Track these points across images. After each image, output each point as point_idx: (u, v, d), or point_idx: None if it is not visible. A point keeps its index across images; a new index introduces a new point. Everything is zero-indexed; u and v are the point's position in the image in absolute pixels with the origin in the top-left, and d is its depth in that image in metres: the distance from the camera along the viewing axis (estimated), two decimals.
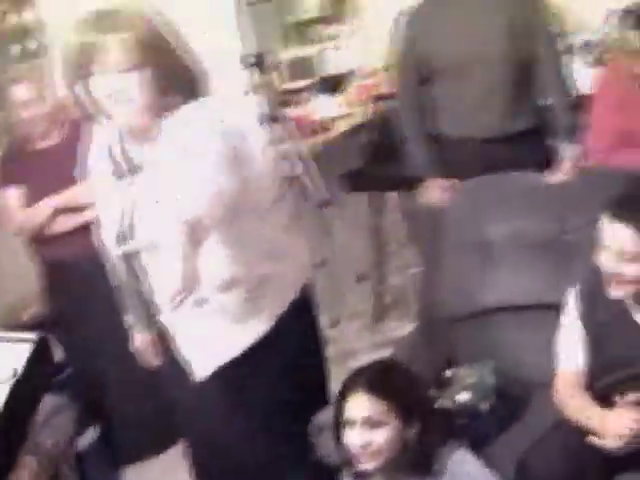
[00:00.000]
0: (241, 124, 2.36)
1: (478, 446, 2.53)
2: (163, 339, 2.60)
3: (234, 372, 2.48)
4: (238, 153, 2.26)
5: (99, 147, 2.47)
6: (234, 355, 2.47)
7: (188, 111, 2.29)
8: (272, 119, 4.41)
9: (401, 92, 3.59)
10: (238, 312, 2.42)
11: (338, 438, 2.43)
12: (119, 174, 2.40)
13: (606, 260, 2.39)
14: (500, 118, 3.37)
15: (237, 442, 2.57)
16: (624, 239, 2.33)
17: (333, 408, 2.47)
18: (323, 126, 4.89)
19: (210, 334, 2.46)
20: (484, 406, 2.68)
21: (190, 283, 2.01)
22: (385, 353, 4.47)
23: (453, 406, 2.67)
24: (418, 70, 3.44)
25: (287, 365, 2.52)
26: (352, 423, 2.38)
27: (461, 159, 3.42)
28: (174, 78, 2.29)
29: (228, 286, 2.37)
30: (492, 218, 3.10)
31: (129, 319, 2.72)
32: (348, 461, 2.43)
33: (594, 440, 2.33)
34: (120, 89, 2.21)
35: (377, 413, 2.35)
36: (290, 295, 2.53)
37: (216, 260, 2.28)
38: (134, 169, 2.37)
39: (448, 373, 2.80)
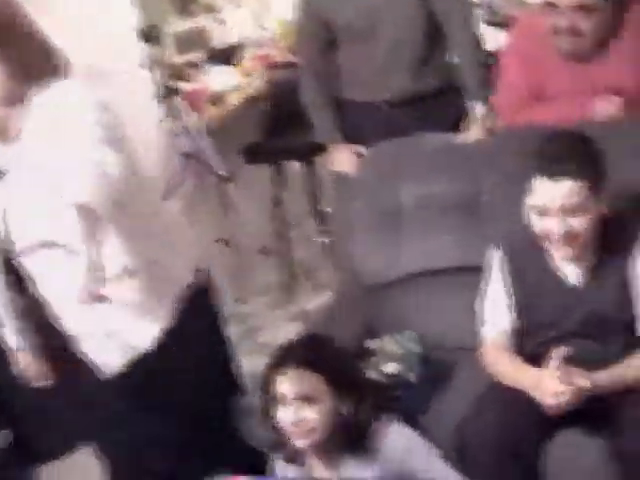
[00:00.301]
0: (125, 101, 2.21)
1: (410, 417, 2.47)
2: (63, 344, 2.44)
3: (140, 368, 2.36)
4: (119, 132, 2.11)
5: None
6: (139, 349, 2.35)
7: (54, 94, 2.11)
8: (166, 93, 4.28)
9: (303, 59, 3.50)
10: (136, 304, 2.30)
11: (267, 417, 2.34)
12: None
13: (547, 221, 2.35)
14: (408, 79, 3.30)
15: (146, 442, 2.46)
16: (565, 195, 2.30)
17: (260, 385, 2.37)
18: (218, 99, 4.76)
19: (113, 331, 2.34)
20: (412, 376, 2.63)
21: (99, 277, 1.91)
22: (296, 326, 4.44)
23: (380, 378, 2.60)
24: (319, 35, 3.34)
25: (191, 356, 2.42)
26: (284, 399, 2.29)
27: (369, 124, 3.34)
28: (29, 63, 2.11)
29: (123, 277, 2.24)
30: (403, 182, 3.04)
31: (10, 340, 2.53)
32: (279, 442, 2.34)
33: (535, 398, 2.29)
34: None
35: (311, 388, 2.27)
36: (185, 280, 2.41)
37: (110, 251, 2.11)
38: None
39: (371, 344, 2.73)
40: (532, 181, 2.36)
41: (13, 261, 2.29)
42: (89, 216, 1.82)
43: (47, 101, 2.10)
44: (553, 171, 2.30)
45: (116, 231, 2.09)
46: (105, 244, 1.95)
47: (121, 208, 2.03)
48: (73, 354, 2.41)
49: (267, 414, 2.34)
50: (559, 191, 2.31)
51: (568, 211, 2.32)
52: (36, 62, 2.12)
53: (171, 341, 2.36)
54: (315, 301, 4.67)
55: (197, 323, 2.43)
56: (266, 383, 2.34)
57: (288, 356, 2.32)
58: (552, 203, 2.32)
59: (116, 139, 2.07)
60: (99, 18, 4.01)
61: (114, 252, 2.15)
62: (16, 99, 2.09)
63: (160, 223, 2.36)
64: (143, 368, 2.37)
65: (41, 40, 2.15)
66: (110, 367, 2.37)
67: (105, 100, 2.14)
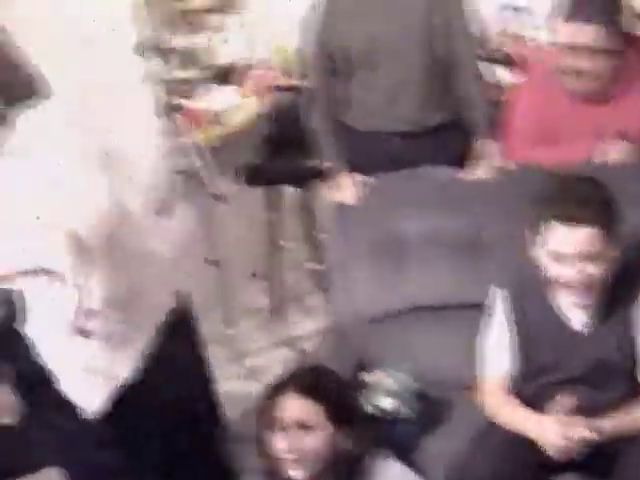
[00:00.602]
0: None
1: (402, 453, 2.44)
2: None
3: (122, 400, 2.31)
4: (111, 154, 2.07)
5: None
6: (120, 381, 2.30)
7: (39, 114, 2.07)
8: (166, 110, 4.24)
9: (312, 85, 3.47)
10: (117, 336, 2.25)
11: (261, 444, 2.30)
12: None
13: (562, 268, 2.33)
14: (415, 111, 3.28)
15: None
16: (583, 242, 2.27)
17: (258, 410, 2.33)
18: (218, 118, 4.73)
19: (92, 366, 2.29)
20: (406, 411, 2.59)
21: (89, 311, 1.86)
22: (283, 352, 4.40)
23: (374, 412, 2.57)
24: (329, 62, 3.32)
25: (171, 381, 2.37)
26: (282, 425, 2.25)
27: (374, 154, 3.32)
28: (11, 85, 2.09)
29: (106, 310, 2.20)
30: (406, 215, 3.02)
31: None
32: (272, 470, 2.30)
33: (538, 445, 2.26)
34: None
35: (310, 416, 2.26)
36: (165, 305, 2.37)
37: (95, 284, 2.08)
38: None
39: (365, 377, 2.69)
40: (545, 225, 2.33)
41: None
42: (81, 247, 1.75)
43: (31, 121, 2.05)
44: (571, 217, 2.28)
45: (102, 263, 2.02)
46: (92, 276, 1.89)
47: (109, 240, 1.98)
48: (54, 390, 2.33)
49: (261, 440, 2.30)
50: (577, 238, 2.28)
51: (585, 258, 2.29)
52: (18, 84, 2.07)
53: (151, 368, 2.32)
54: (304, 327, 4.64)
55: (177, 347, 2.39)
56: (264, 408, 2.30)
57: (290, 382, 2.31)
58: (569, 249, 2.30)
59: (104, 168, 2.03)
60: (100, 32, 3.98)
61: (98, 284, 2.10)
62: None
63: (144, 253, 2.32)
64: (125, 400, 2.31)
65: (16, 57, 2.11)
66: (92, 405, 2.31)
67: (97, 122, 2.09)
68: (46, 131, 2.12)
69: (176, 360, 2.40)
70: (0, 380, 2.30)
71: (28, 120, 2.08)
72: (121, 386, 2.31)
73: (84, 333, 2.16)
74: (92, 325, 2.15)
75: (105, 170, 3.99)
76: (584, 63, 2.88)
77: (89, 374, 2.29)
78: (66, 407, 2.30)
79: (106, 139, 3.99)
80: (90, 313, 1.98)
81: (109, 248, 2.00)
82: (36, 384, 2.25)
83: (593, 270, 2.31)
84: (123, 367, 2.31)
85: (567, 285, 2.35)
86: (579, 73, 2.90)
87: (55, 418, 2.36)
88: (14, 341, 2.14)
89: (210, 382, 2.58)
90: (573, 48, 2.88)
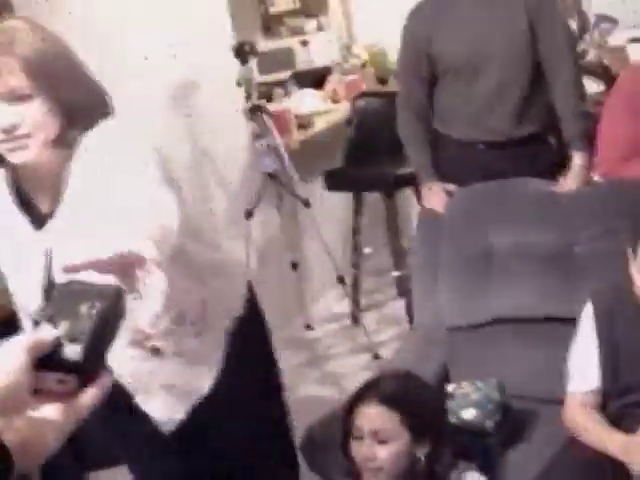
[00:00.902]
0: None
1: (484, 466, 2.41)
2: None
3: (199, 415, 2.31)
4: (172, 173, 2.05)
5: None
6: (197, 397, 2.30)
7: (105, 135, 2.01)
8: (256, 112, 4.28)
9: (403, 91, 3.46)
10: (189, 352, 2.24)
11: (344, 450, 2.30)
12: (35, 223, 2.08)
13: None
14: (509, 122, 3.25)
15: None
16: None
17: (342, 416, 2.33)
18: (304, 122, 4.75)
19: (168, 384, 2.28)
20: (490, 424, 2.57)
21: (157, 328, 1.85)
22: (362, 357, 4.41)
23: (458, 423, 2.55)
24: (422, 69, 3.31)
25: (245, 391, 2.35)
26: (360, 434, 2.25)
27: (465, 163, 3.31)
28: (78, 105, 2.00)
29: (176, 323, 2.18)
30: (495, 227, 3.00)
31: None
32: (352, 475, 2.30)
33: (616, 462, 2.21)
34: (11, 123, 1.91)
35: (388, 426, 2.24)
36: (235, 312, 2.34)
37: (164, 299, 2.04)
38: (43, 218, 2.07)
39: (450, 388, 2.68)
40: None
41: None
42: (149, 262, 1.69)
43: (98, 143, 2.01)
44: None
45: (170, 277, 1.95)
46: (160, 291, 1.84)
47: (177, 253, 1.93)
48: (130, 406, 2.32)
49: (344, 446, 2.30)
50: None
51: None
52: (84, 104, 2.03)
53: (225, 380, 2.30)
54: (383, 334, 4.64)
55: (248, 355, 2.38)
56: (346, 414, 2.30)
57: (372, 391, 2.29)
58: None
59: (171, 180, 2.02)
60: (194, 34, 4.04)
61: (167, 300, 2.06)
62: (64, 142, 2.00)
63: (212, 263, 2.30)
64: (201, 415, 2.31)
65: (89, 81, 2.06)
66: (170, 420, 2.31)
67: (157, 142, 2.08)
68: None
69: (249, 364, 2.38)
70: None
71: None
72: (199, 401, 2.30)
73: (154, 352, 2.17)
74: (162, 344, 2.16)
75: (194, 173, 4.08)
76: None
77: (167, 391, 2.28)
78: (137, 414, 2.30)
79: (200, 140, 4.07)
80: (158, 331, 1.98)
81: (176, 261, 1.92)
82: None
83: None
84: (200, 381, 2.29)
85: None
86: None
87: (127, 422, 2.39)
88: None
89: (282, 389, 2.56)
90: None
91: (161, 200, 1.87)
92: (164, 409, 2.30)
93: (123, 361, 2.19)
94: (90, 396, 1.21)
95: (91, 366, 1.22)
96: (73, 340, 1.20)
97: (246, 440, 2.37)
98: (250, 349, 2.38)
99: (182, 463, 2.37)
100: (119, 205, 1.80)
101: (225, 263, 2.38)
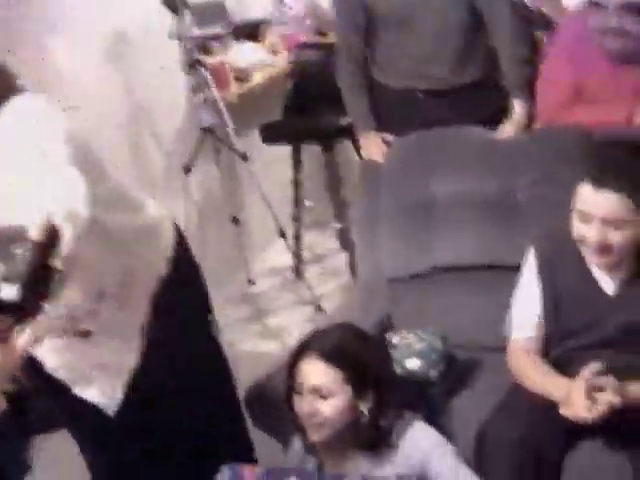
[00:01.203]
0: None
1: (429, 415, 2.42)
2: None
3: (137, 386, 2.27)
4: (86, 146, 1.98)
5: None
6: (132, 368, 2.25)
7: (14, 109, 1.95)
8: (190, 66, 4.20)
9: (341, 42, 3.42)
10: (115, 324, 2.19)
11: (288, 405, 2.28)
12: None
13: (586, 228, 2.29)
14: (447, 71, 3.22)
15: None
16: (609, 207, 2.23)
17: (284, 372, 2.31)
18: (242, 75, 4.67)
19: (103, 362, 2.23)
20: (434, 373, 2.57)
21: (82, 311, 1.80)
22: (305, 310, 4.39)
23: (402, 373, 2.55)
24: (359, 20, 3.26)
25: (179, 350, 2.31)
26: (302, 390, 2.23)
27: (403, 112, 3.27)
28: None
29: (97, 301, 2.13)
30: (435, 175, 2.99)
31: None
32: (299, 428, 2.29)
33: (562, 411, 2.22)
34: None
35: (329, 382, 2.20)
36: (159, 273, 2.29)
37: (86, 278, 1.97)
38: None
39: (393, 338, 2.66)
40: (578, 184, 2.29)
41: None
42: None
43: (6, 116, 1.95)
44: (601, 181, 2.23)
45: (86, 257, 1.78)
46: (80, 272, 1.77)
47: (92, 232, 1.85)
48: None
49: (288, 401, 2.28)
50: (603, 202, 2.24)
51: (609, 223, 2.25)
52: None
53: (157, 343, 2.26)
54: (326, 287, 4.63)
55: (177, 312, 2.33)
56: (289, 370, 2.28)
57: (310, 346, 2.25)
58: (594, 212, 2.26)
59: (84, 154, 1.95)
60: None
61: (87, 280, 2.00)
62: None
63: (133, 230, 2.23)
64: (141, 386, 2.27)
65: None
66: (111, 402, 2.27)
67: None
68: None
69: (180, 321, 2.33)
70: None
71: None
72: (134, 372, 2.25)
73: (84, 335, 2.12)
74: (89, 325, 2.11)
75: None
76: (624, 21, 2.82)
77: (102, 373, 2.23)
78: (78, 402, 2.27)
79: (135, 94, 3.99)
80: (84, 314, 1.94)
81: (92, 237, 1.83)
82: None
83: (615, 237, 2.26)
84: (130, 353, 2.25)
85: (587, 246, 2.31)
86: (618, 32, 2.83)
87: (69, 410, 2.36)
88: None
89: (216, 337, 2.52)
90: (612, 6, 2.82)
91: (66, 184, 1.79)
92: (103, 392, 2.27)
93: (55, 356, 2.15)
94: (26, 338, 1.19)
95: (28, 306, 1.22)
96: (9, 280, 1.19)
97: (189, 403, 2.34)
98: (184, 306, 2.34)
99: (127, 433, 2.33)
100: (19, 188, 1.74)
101: (148, 226, 2.30)
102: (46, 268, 1.33)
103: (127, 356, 2.24)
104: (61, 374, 2.21)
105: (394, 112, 3.31)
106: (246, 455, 2.57)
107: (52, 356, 2.18)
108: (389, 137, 3.25)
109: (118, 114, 3.91)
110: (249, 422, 2.66)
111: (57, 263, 1.40)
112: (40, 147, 1.86)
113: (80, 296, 2.04)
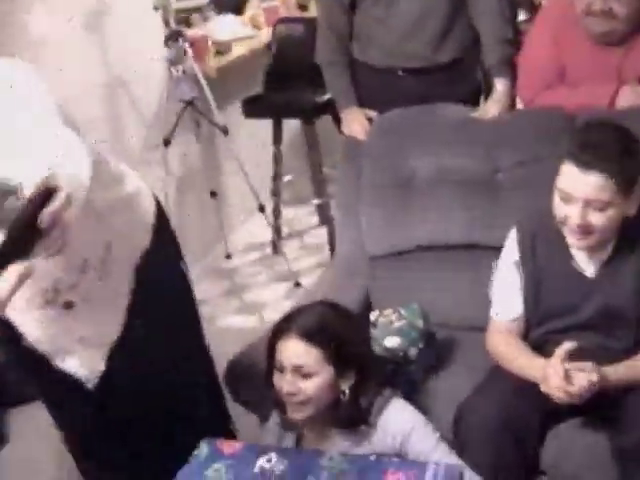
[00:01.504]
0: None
1: (409, 394, 2.42)
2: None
3: (117, 359, 2.26)
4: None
5: None
6: (113, 340, 2.24)
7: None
8: (169, 38, 4.16)
9: (322, 17, 3.39)
10: (97, 297, 2.17)
11: (268, 381, 2.27)
12: None
13: (567, 208, 2.28)
14: (429, 49, 3.19)
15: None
16: (592, 188, 2.23)
17: (264, 350, 2.30)
18: (223, 48, 4.64)
19: (84, 334, 2.22)
20: (413, 351, 2.57)
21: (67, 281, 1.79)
22: (284, 286, 4.39)
23: (381, 351, 2.54)
24: None
25: (160, 321, 2.30)
26: (282, 369, 2.22)
27: (384, 90, 3.25)
28: None
29: (81, 272, 2.11)
30: (417, 153, 2.97)
31: None
32: (277, 404, 2.28)
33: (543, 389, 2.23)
34: None
35: (310, 362, 2.19)
36: (142, 246, 2.27)
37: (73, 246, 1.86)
38: None
39: (372, 316, 2.66)
40: (561, 164, 2.29)
41: None
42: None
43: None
44: (584, 161, 2.22)
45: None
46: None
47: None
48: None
49: (268, 378, 2.27)
50: (586, 183, 2.23)
51: (590, 204, 2.24)
52: None
53: (137, 315, 2.25)
54: (304, 262, 4.63)
55: (157, 284, 2.31)
56: (269, 348, 2.27)
57: (293, 325, 2.23)
58: (576, 192, 2.25)
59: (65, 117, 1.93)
60: None
61: (72, 252, 1.98)
62: None
63: (115, 202, 2.20)
64: (120, 360, 2.26)
65: None
66: (91, 375, 2.26)
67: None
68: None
69: (161, 294, 2.31)
70: None
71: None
72: (115, 343, 2.24)
73: (67, 306, 2.11)
74: (72, 296, 2.10)
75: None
76: (610, 4, 2.81)
77: (83, 345, 2.22)
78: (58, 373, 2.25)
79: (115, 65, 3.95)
80: (68, 284, 1.92)
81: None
82: None
83: (595, 219, 2.26)
84: (112, 326, 2.23)
85: (568, 226, 2.31)
86: (604, 14, 2.82)
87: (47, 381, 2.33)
88: None
89: (198, 319, 2.50)
90: None
91: (71, 150, 1.76)
92: (83, 365, 2.25)
93: (38, 328, 2.14)
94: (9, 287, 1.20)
95: (8, 256, 1.24)
96: None
97: (167, 376, 2.32)
98: (164, 279, 2.32)
99: (103, 405, 2.32)
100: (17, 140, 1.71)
101: (130, 197, 2.27)
102: (35, 228, 1.37)
103: (109, 329, 2.23)
104: (43, 346, 2.19)
105: (375, 91, 3.29)
106: (224, 430, 2.56)
107: (34, 328, 2.16)
108: (372, 113, 3.23)
109: (97, 85, 3.88)
110: (228, 397, 2.65)
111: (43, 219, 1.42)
112: (30, 102, 1.84)
113: (64, 267, 2.02)
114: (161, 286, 2.30)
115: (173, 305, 2.38)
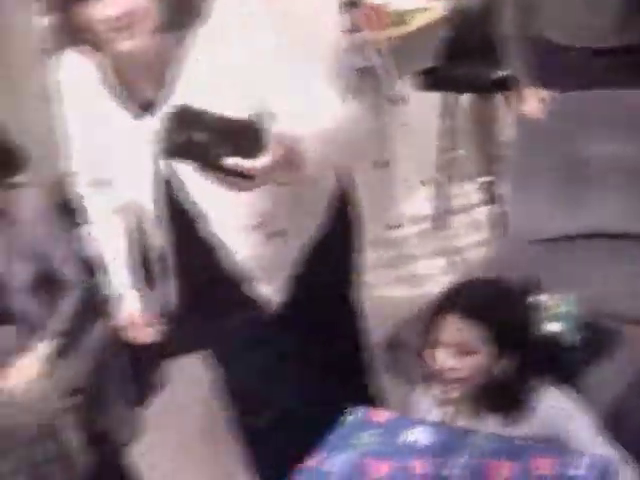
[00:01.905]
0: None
1: (565, 381, 2.36)
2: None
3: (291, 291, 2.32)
4: None
5: None
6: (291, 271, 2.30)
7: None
8: (349, 5, 4.17)
9: None
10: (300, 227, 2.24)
11: (422, 355, 2.26)
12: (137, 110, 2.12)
13: None
14: (612, 27, 3.08)
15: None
16: None
17: (424, 324, 2.29)
18: (400, 19, 4.62)
19: (283, 263, 2.30)
20: (575, 338, 2.51)
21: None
22: (443, 261, 4.37)
23: (541, 336, 2.50)
24: None
25: (328, 270, 2.36)
26: (441, 345, 2.20)
27: (566, 69, 3.17)
28: None
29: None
30: (592, 137, 2.90)
31: (117, 287, 2.43)
32: (428, 379, 2.27)
33: None
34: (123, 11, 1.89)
35: (470, 339, 2.16)
36: (320, 211, 2.33)
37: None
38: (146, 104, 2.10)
39: (535, 299, 2.61)
40: None
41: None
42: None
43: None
44: None
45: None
46: None
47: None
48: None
49: (424, 353, 2.26)
50: None
51: None
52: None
53: (312, 258, 2.30)
54: (466, 239, 4.59)
55: (336, 236, 2.36)
56: (431, 322, 2.25)
57: (457, 301, 2.20)
58: None
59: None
60: None
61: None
62: (172, 26, 2.00)
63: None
64: (293, 290, 2.31)
65: None
66: (272, 302, 2.33)
67: None
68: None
69: (335, 245, 2.37)
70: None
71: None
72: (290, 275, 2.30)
73: (279, 233, 2.20)
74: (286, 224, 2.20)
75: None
76: None
77: (279, 273, 2.29)
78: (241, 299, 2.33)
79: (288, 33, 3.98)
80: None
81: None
82: None
83: None
84: (293, 258, 2.30)
85: None
86: None
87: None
88: None
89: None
90: None
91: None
92: (271, 292, 2.32)
93: (246, 245, 2.21)
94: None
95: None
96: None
97: (327, 331, 2.36)
98: (338, 228, 2.39)
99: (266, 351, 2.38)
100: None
101: None
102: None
103: (290, 262, 2.30)
104: (249, 264, 2.26)
105: (556, 69, 3.20)
106: (371, 399, 2.57)
107: (248, 246, 2.24)
108: (551, 94, 3.15)
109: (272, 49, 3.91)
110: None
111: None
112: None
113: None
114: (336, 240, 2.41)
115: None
